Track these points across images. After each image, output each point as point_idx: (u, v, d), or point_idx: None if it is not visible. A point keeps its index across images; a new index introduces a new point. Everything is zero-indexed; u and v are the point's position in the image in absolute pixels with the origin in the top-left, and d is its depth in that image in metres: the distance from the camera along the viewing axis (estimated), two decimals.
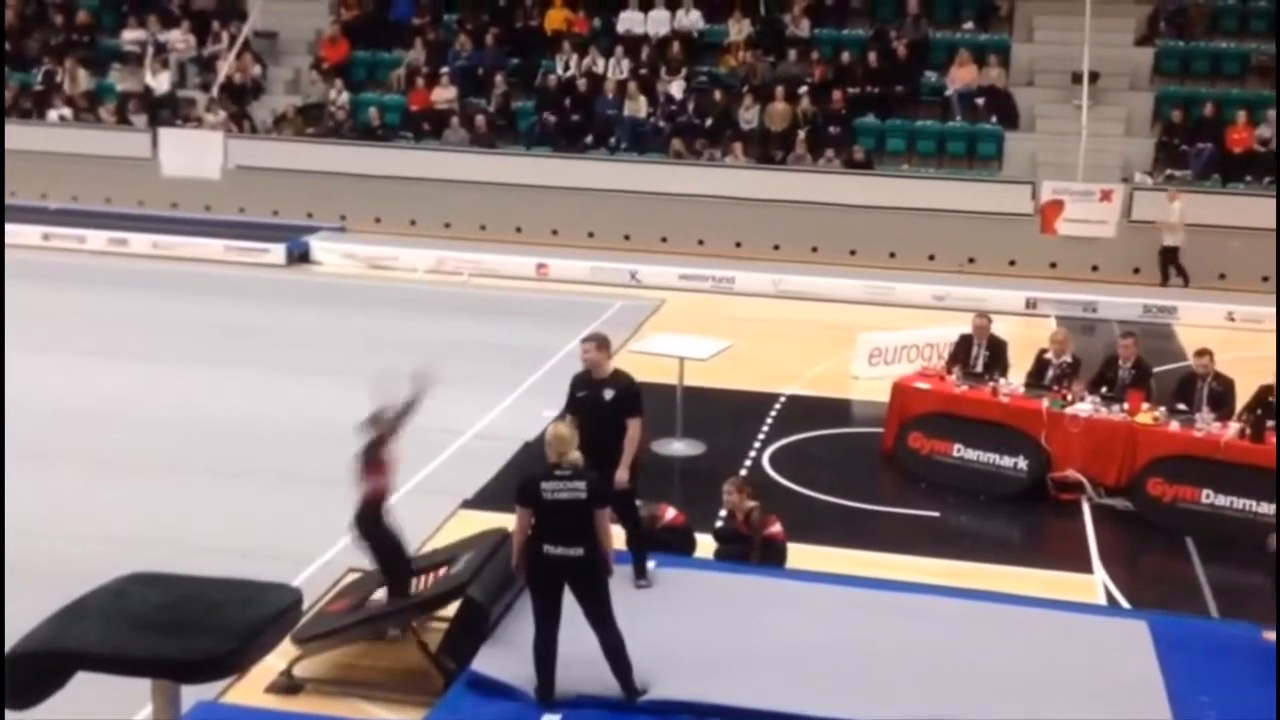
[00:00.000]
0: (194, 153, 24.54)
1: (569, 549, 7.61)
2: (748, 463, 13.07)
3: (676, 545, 10.07)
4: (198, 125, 25.16)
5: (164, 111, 25.68)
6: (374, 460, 8.70)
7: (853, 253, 22.54)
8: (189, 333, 17.49)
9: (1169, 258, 21.40)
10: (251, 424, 13.75)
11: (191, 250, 22.43)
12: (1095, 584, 10.78)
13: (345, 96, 25.24)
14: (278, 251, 22.37)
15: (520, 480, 7.99)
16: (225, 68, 25.84)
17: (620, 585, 8.45)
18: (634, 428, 9.22)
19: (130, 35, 26.91)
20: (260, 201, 24.46)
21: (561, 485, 7.65)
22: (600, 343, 9.48)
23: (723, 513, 10.56)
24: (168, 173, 24.74)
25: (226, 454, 12.88)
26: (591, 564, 7.67)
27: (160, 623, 7.47)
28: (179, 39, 26.70)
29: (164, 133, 24.99)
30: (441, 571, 8.95)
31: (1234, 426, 12.11)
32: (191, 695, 7.52)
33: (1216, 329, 18.91)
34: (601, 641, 7.77)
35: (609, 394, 9.26)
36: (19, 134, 24.58)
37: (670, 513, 10.27)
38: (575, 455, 7.80)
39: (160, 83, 26.02)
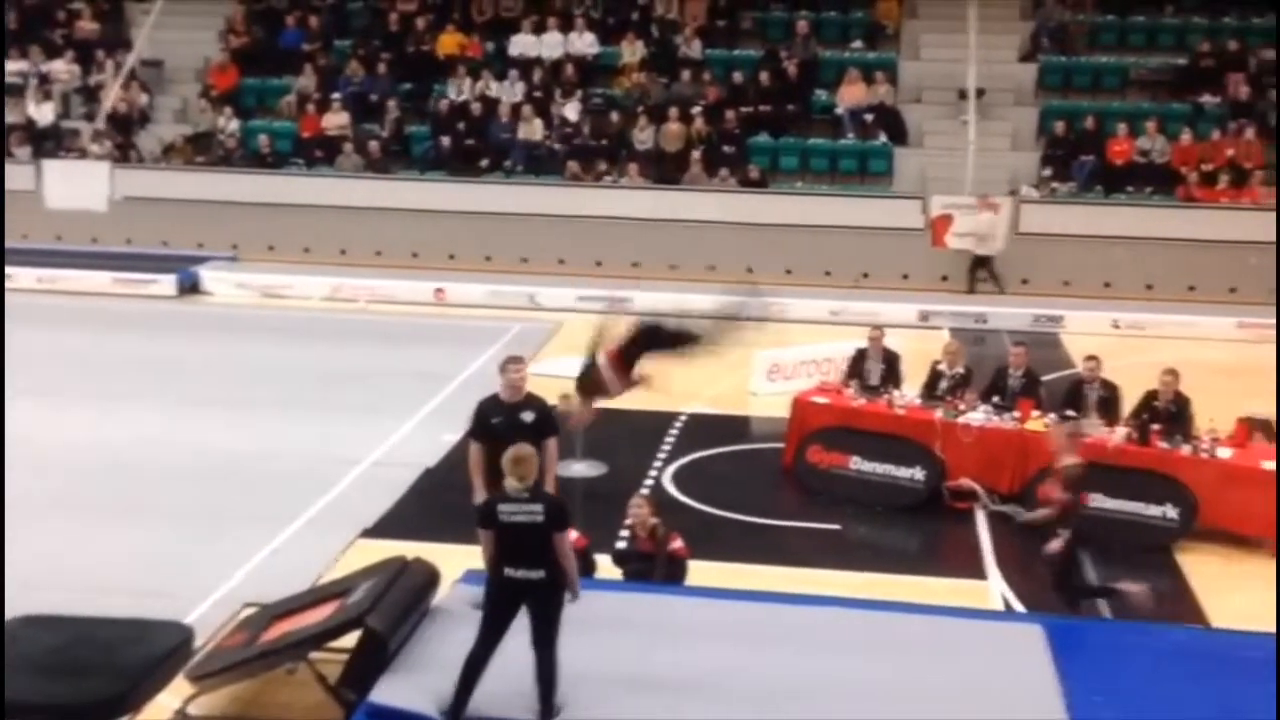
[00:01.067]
0: (79, 184, 24.14)
1: (530, 571, 7.56)
2: (649, 482, 13.10)
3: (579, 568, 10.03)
4: (82, 156, 24.70)
5: (48, 143, 25.18)
6: None
7: (749, 270, 22.67)
8: (77, 368, 17.12)
9: (983, 264, 21.94)
10: (142, 459, 13.47)
11: (78, 283, 21.96)
12: (991, 590, 10.96)
13: (235, 124, 24.95)
14: (168, 282, 22.00)
15: (480, 503, 7.93)
16: (110, 97, 25.41)
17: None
18: (553, 447, 9.29)
19: (12, 66, 26.31)
20: (149, 232, 24.05)
21: (519, 508, 7.60)
22: (522, 363, 9.51)
23: (624, 532, 10.55)
24: (52, 205, 24.27)
25: (118, 491, 12.61)
26: (551, 586, 7.63)
27: (52, 666, 7.35)
28: (62, 69, 26.21)
29: (48, 164, 24.53)
30: (339, 602, 8.83)
31: (1121, 431, 12.39)
32: None
33: (1102, 337, 19.33)
34: (538, 660, 7.69)
35: (529, 416, 9.27)
36: None
37: (570, 535, 10.21)
38: (532, 480, 7.74)
39: (43, 114, 25.51)
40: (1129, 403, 12.88)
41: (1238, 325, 20.19)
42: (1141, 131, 23.21)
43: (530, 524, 7.58)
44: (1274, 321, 20.03)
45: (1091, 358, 13.27)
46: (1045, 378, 13.99)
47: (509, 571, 7.59)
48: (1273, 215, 21.67)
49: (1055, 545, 9.70)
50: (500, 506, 7.65)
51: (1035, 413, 12.79)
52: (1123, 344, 18.73)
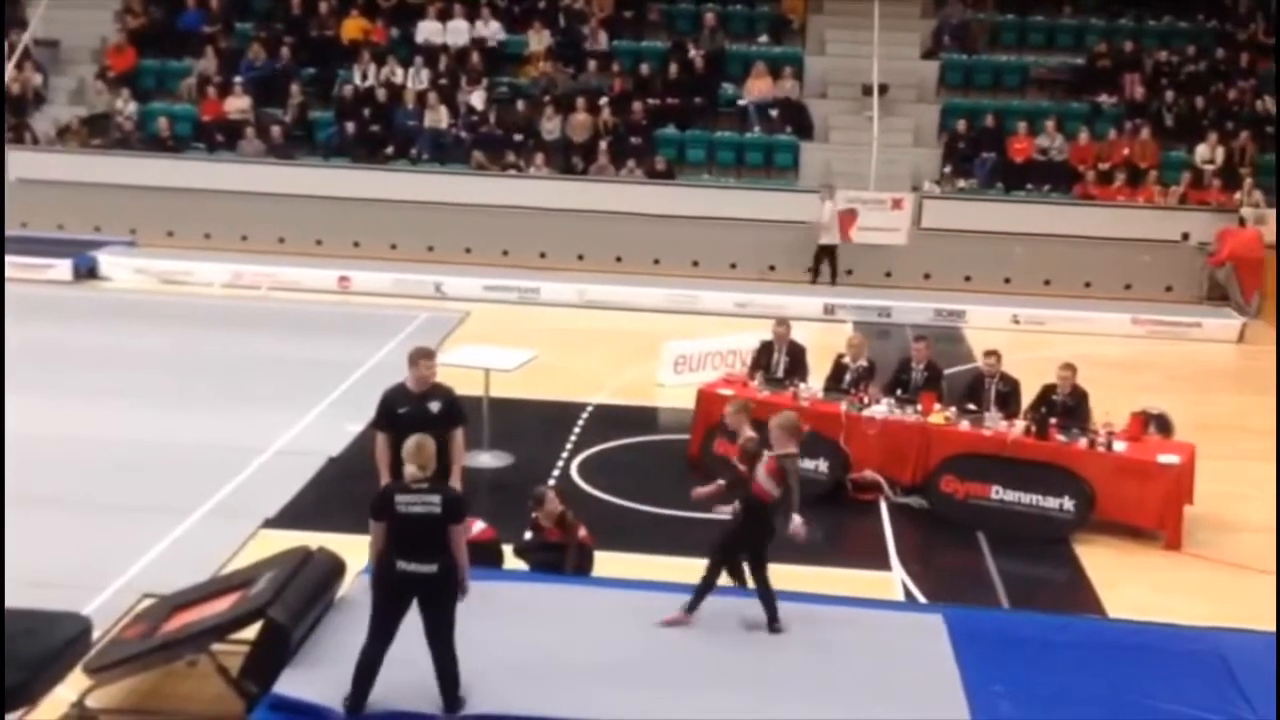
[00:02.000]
0: None
1: (423, 565, 7.48)
2: (556, 472, 13.09)
3: (483, 560, 9.99)
4: None
5: None
6: None
7: (656, 262, 22.79)
8: None
9: (825, 255, 22.30)
10: (37, 448, 13.12)
11: None
12: (893, 580, 11.11)
13: (133, 106, 24.45)
14: (64, 267, 21.50)
15: (376, 493, 7.83)
16: (4, 77, 24.74)
17: None
18: (460, 437, 9.24)
19: None
20: (44, 216, 23.45)
21: (416, 499, 7.52)
22: (430, 354, 9.43)
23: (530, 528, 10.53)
24: None
25: (10, 480, 12.27)
26: (444, 579, 7.55)
27: None
28: None
29: None
30: (241, 593, 8.70)
31: (1020, 425, 12.61)
32: None
33: (1002, 331, 19.68)
34: (435, 654, 7.65)
35: (435, 406, 9.20)
36: None
37: (476, 526, 10.18)
38: (430, 470, 7.66)
39: None
40: (1028, 396, 13.11)
41: (1132, 321, 20.67)
42: (1041, 130, 23.65)
43: (427, 515, 7.52)
44: (1168, 319, 20.65)
45: (991, 353, 13.46)
46: (947, 371, 14.19)
47: (401, 565, 7.51)
48: (1167, 214, 22.28)
49: (723, 508, 9.36)
50: (398, 497, 7.57)
51: (937, 406, 12.97)
52: (1022, 339, 19.11)
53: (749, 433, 9.45)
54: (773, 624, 8.84)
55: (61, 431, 13.69)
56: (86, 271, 21.73)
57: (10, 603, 8.00)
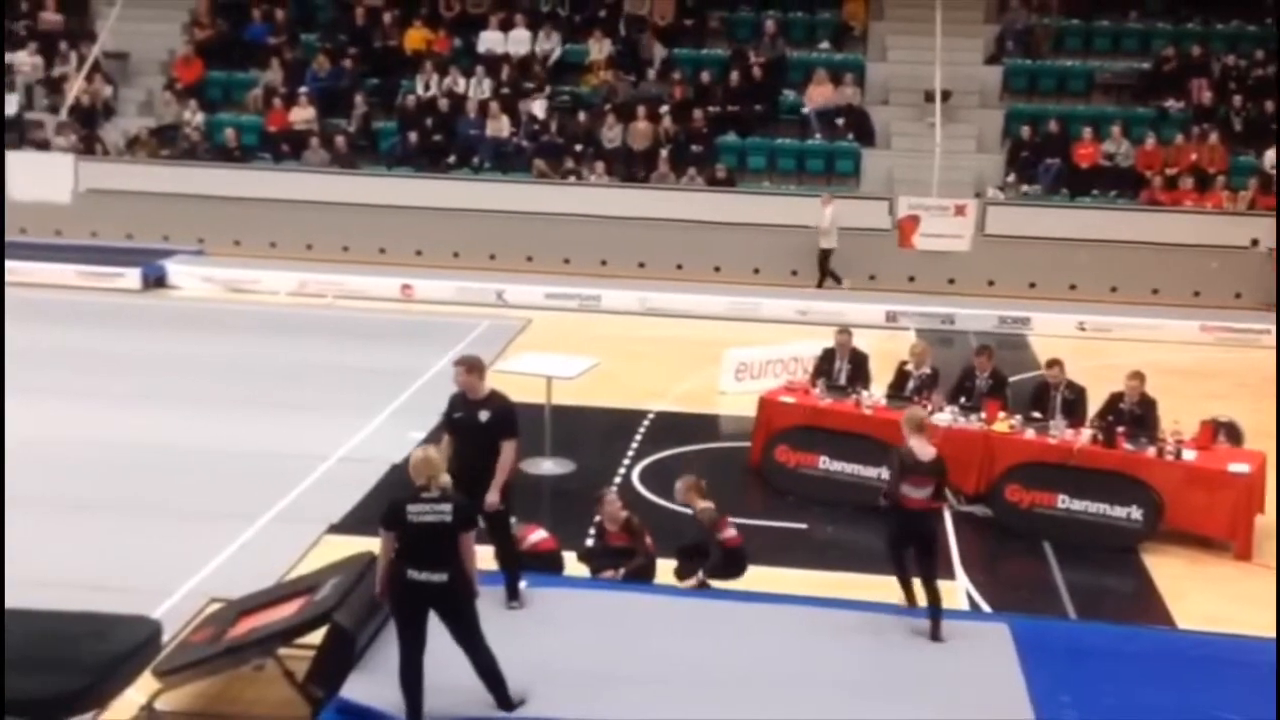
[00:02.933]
0: (43, 176, 23.90)
1: (433, 574, 7.52)
2: (617, 479, 13.09)
3: (544, 568, 10.03)
4: (46, 148, 24.47)
5: (11, 134, 24.91)
6: None
7: (717, 269, 22.76)
8: (41, 362, 16.92)
9: (824, 260, 22.17)
10: (109, 454, 13.36)
11: (42, 276, 21.70)
12: (957, 589, 11.00)
13: (200, 117, 24.78)
14: (133, 276, 21.81)
15: (386, 504, 7.88)
16: (74, 89, 25.18)
17: (492, 606, 8.41)
18: (508, 450, 9.14)
19: None
20: (114, 225, 23.84)
21: (428, 509, 7.56)
22: (471, 365, 9.37)
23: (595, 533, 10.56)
24: (16, 197, 23.99)
25: (83, 485, 12.50)
26: (455, 589, 7.59)
27: (14, 660, 7.27)
28: (25, 60, 25.93)
29: (12, 156, 24.24)
30: (307, 598, 8.78)
31: (1086, 433, 12.48)
32: None
33: (1068, 339, 19.47)
34: (472, 659, 7.72)
35: (484, 415, 9.18)
36: None
37: (536, 535, 10.20)
38: (444, 479, 7.71)
39: (7, 105, 25.21)
40: (1094, 404, 12.96)
41: (1200, 328, 20.37)
42: (1106, 135, 23.38)
43: (439, 524, 7.55)
44: (1237, 326, 20.34)
45: (1054, 362, 13.35)
46: (1012, 379, 14.06)
47: (412, 574, 7.55)
48: (1235, 220, 21.95)
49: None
50: (409, 507, 7.59)
51: (1002, 414, 12.85)
52: (1088, 346, 18.91)
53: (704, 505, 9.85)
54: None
55: (131, 438, 13.88)
56: (155, 280, 22.03)
57: (81, 607, 8.13)
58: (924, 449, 9.33)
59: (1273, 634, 9.26)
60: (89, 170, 24.13)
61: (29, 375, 16.19)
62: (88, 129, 24.76)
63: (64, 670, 7.16)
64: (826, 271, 22.24)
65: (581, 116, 24.41)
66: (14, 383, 15.74)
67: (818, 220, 22.01)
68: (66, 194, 23.98)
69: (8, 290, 21.10)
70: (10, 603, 7.98)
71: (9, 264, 21.86)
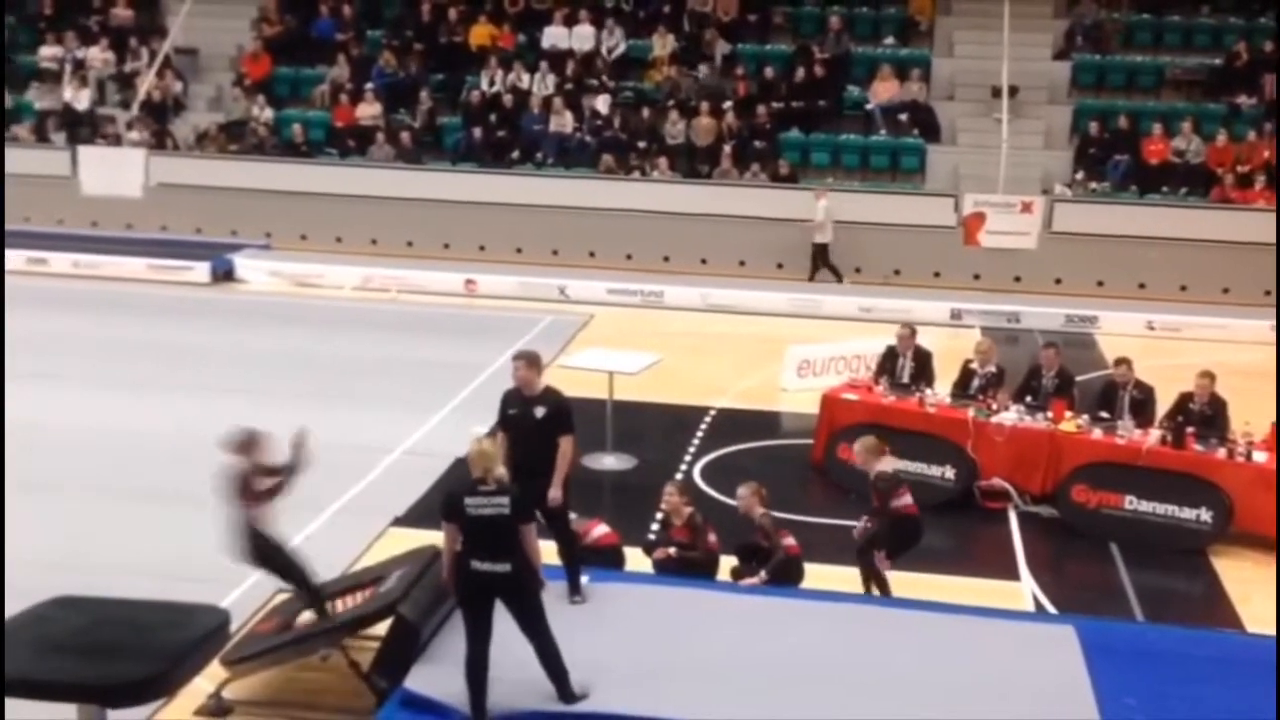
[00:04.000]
0: (115, 170, 24.28)
1: (495, 564, 7.59)
2: (679, 475, 13.08)
3: (605, 563, 10.06)
4: (117, 143, 24.85)
5: (83, 129, 25.32)
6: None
7: (780, 266, 22.69)
8: (111, 353, 17.23)
9: (819, 254, 22.07)
10: (176, 444, 13.52)
11: (113, 269, 22.10)
12: (1023, 590, 10.92)
13: (268, 113, 25.04)
14: (202, 270, 22.10)
15: (444, 497, 7.94)
16: (145, 85, 25.54)
17: (555, 601, 8.44)
18: (566, 445, 9.17)
19: (48, 52, 26.49)
20: (183, 219, 24.17)
21: (485, 501, 7.62)
22: (530, 360, 9.41)
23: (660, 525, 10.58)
24: (88, 191, 24.43)
25: (151, 475, 12.69)
26: (519, 578, 7.65)
27: (85, 647, 7.37)
28: (98, 56, 26.33)
29: (84, 151, 24.66)
30: (372, 589, 8.87)
31: (1155, 433, 12.32)
32: None
33: (1137, 338, 19.24)
34: (537, 649, 7.77)
35: (540, 411, 9.21)
36: None
37: (598, 530, 10.24)
38: (500, 471, 7.77)
39: (79, 100, 25.65)
40: (1163, 404, 12.80)
41: (1271, 328, 19.99)
42: (1177, 131, 23.04)
43: (496, 516, 7.60)
44: None
45: (1123, 360, 13.21)
46: (1079, 378, 13.91)
47: (475, 565, 7.63)
48: None
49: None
50: (467, 500, 7.67)
51: (1069, 413, 12.72)
52: (1157, 345, 18.66)
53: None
54: None
55: (200, 429, 13.97)
56: (223, 274, 22.31)
57: (152, 596, 8.24)
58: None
59: None
60: (159, 165, 24.47)
61: (100, 366, 16.52)
62: (158, 124, 25.09)
63: (135, 657, 7.25)
64: (821, 265, 22.17)
65: (645, 112, 24.42)
66: (86, 374, 16.10)
67: (812, 213, 21.99)
68: (138, 188, 24.33)
69: (80, 283, 21.57)
70: (85, 590, 8.11)
71: (85, 258, 22.34)
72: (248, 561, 8.75)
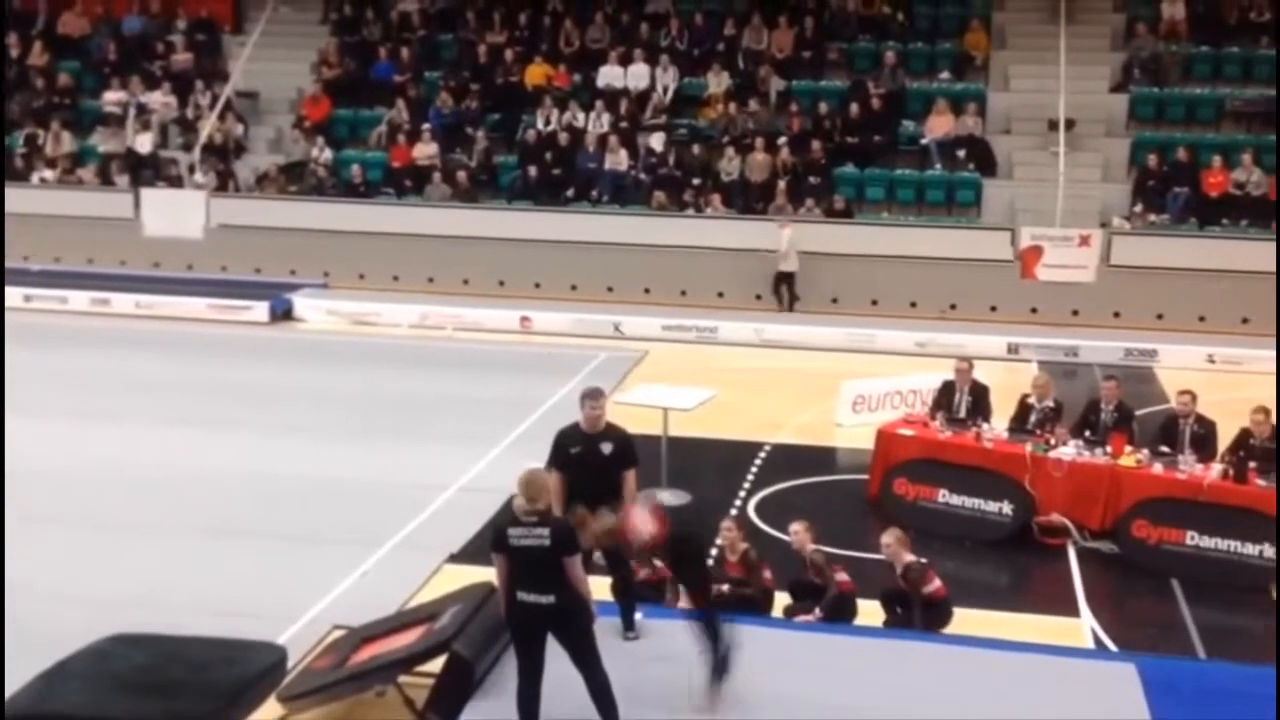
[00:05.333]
0: (176, 212, 24.69)
1: (541, 596, 7.58)
2: (733, 511, 13.04)
3: (659, 599, 10.04)
4: (179, 185, 25.25)
5: (146, 172, 25.76)
6: None
7: (835, 301, 22.64)
8: (172, 392, 17.46)
9: (784, 283, 22.23)
10: (234, 482, 13.70)
11: (174, 309, 22.45)
12: (1082, 627, 10.78)
13: (327, 154, 25.35)
14: (261, 309, 22.38)
15: (493, 528, 7.96)
16: (207, 128, 25.96)
17: (609, 638, 8.43)
18: (631, 479, 9.20)
19: (112, 97, 27.00)
20: (243, 260, 24.50)
21: (526, 532, 7.63)
22: (600, 396, 9.48)
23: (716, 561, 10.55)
24: (150, 232, 24.83)
25: (210, 513, 12.83)
26: (566, 610, 7.63)
27: (144, 684, 7.46)
28: (160, 100, 26.79)
29: (146, 193, 25.09)
30: (427, 626, 8.90)
31: (1217, 468, 12.15)
32: None
33: (1197, 371, 18.98)
34: (588, 683, 7.74)
35: (607, 448, 9.22)
36: None
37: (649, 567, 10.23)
38: (543, 504, 7.76)
39: (142, 143, 26.10)
40: (1225, 439, 12.63)
41: None
42: (1237, 164, 22.81)
43: (538, 547, 7.59)
44: None
45: (1185, 392, 13.05)
46: (1139, 412, 13.75)
47: (521, 596, 7.64)
48: None
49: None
50: (510, 530, 7.68)
51: (1128, 448, 12.57)
52: (1218, 379, 18.41)
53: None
54: None
55: (255, 466, 14.22)
56: (282, 313, 22.58)
57: (206, 631, 8.33)
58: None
59: None
60: (220, 206, 24.84)
61: (159, 405, 16.74)
62: (220, 166, 25.47)
63: (194, 694, 7.33)
64: (787, 294, 22.36)
65: (699, 149, 24.51)
66: (146, 412, 16.32)
67: (776, 243, 22.14)
68: (198, 230, 24.70)
69: (142, 323, 21.91)
70: (146, 626, 8.21)
71: (147, 298, 22.70)
72: None
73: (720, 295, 22.90)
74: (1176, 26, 25.43)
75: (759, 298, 22.79)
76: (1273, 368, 19.27)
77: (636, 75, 25.72)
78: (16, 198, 24.96)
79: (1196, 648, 10.42)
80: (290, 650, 8.59)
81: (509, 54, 26.40)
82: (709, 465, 14.62)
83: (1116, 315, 21.91)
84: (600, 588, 8.78)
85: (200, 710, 7.27)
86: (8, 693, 7.22)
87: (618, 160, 24.34)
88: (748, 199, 23.74)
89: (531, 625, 7.66)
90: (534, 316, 21.91)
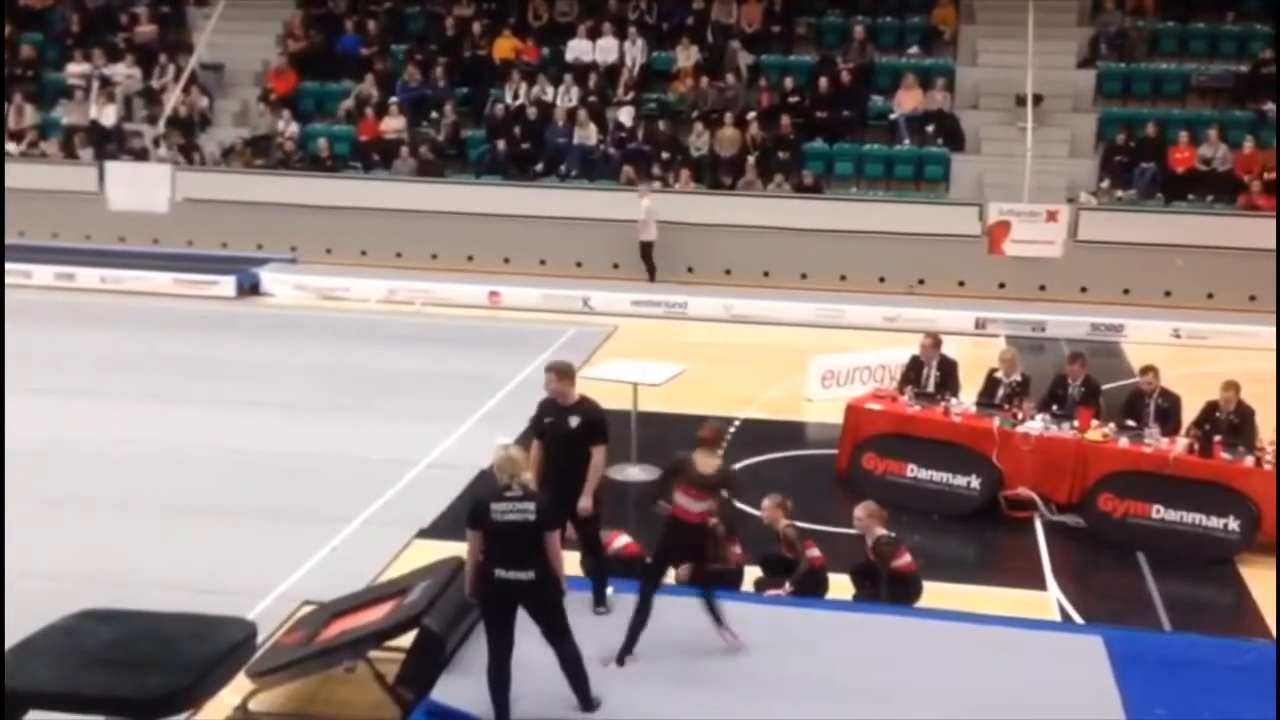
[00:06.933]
0: (141, 186, 24.47)
1: (520, 572, 7.59)
2: None
3: (629, 573, 10.04)
4: (144, 158, 25.03)
5: (110, 145, 25.51)
6: None
7: (804, 276, 22.68)
8: (138, 367, 17.34)
9: (644, 252, 22.50)
10: (203, 458, 13.63)
11: (140, 284, 22.26)
12: (1050, 600, 10.86)
13: (294, 128, 25.17)
14: (228, 284, 22.23)
15: (470, 503, 7.96)
16: (171, 100, 25.72)
17: (580, 612, 8.44)
18: (598, 455, 9.21)
19: (75, 69, 26.70)
20: (209, 234, 24.32)
21: (511, 507, 7.63)
22: (561, 372, 9.43)
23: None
24: (115, 206, 24.61)
25: (178, 489, 12.76)
26: (543, 585, 7.65)
27: (113, 659, 7.42)
28: (124, 72, 26.51)
29: (111, 166, 24.85)
30: (397, 601, 8.88)
31: (1182, 442, 12.26)
32: None
33: (1163, 346, 19.14)
34: (559, 655, 7.77)
35: (574, 421, 9.24)
36: None
37: (620, 541, 10.25)
38: (526, 477, 7.78)
39: (106, 116, 25.83)
40: (1190, 413, 12.73)
41: None
42: (1203, 139, 22.94)
43: (523, 523, 7.60)
44: None
45: (1149, 369, 13.15)
46: (1105, 387, 13.83)
47: (500, 573, 7.62)
48: None
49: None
50: (493, 505, 7.66)
51: (1095, 422, 12.66)
52: (1184, 353, 18.56)
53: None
54: None
55: (223, 442, 14.15)
56: (249, 288, 22.45)
57: (179, 608, 8.29)
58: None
59: None
60: (185, 180, 24.64)
61: (126, 380, 16.63)
62: (185, 139, 25.25)
63: (163, 670, 7.29)
64: (645, 261, 22.60)
65: (667, 124, 24.45)
66: (110, 389, 16.20)
67: (636, 213, 22.35)
68: (164, 204, 24.50)
69: (108, 297, 21.73)
70: (113, 603, 8.16)
71: (112, 273, 22.52)
72: None
73: (690, 270, 22.91)
74: (1144, 2, 25.60)
75: (728, 272, 22.81)
76: (1237, 343, 19.53)
77: (605, 49, 25.64)
78: None
79: (1162, 620, 10.52)
80: (260, 626, 8.56)
81: (477, 27, 26.26)
82: (679, 440, 14.42)
83: (1083, 290, 22.05)
84: (571, 562, 8.78)
85: (170, 685, 7.23)
86: None
87: (586, 135, 24.27)
88: (717, 174, 23.72)
89: (508, 601, 7.66)
90: (503, 291, 21.85)
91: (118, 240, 24.54)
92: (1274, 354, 18.79)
